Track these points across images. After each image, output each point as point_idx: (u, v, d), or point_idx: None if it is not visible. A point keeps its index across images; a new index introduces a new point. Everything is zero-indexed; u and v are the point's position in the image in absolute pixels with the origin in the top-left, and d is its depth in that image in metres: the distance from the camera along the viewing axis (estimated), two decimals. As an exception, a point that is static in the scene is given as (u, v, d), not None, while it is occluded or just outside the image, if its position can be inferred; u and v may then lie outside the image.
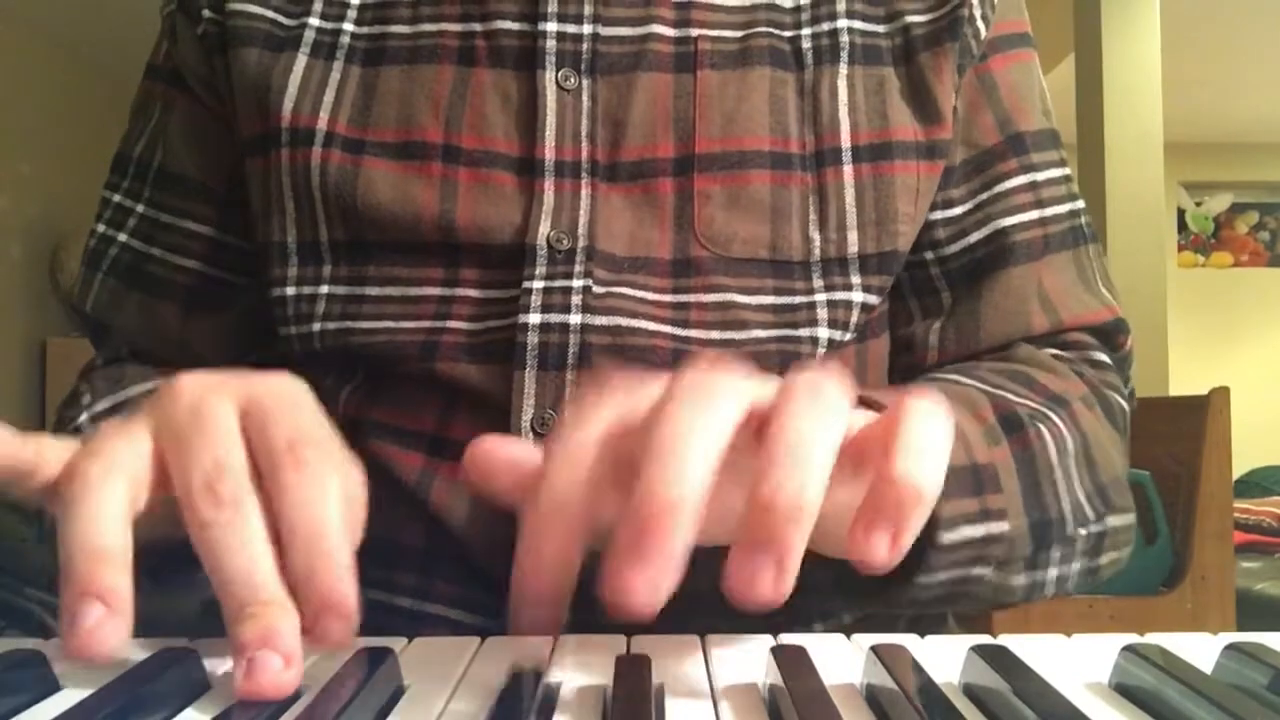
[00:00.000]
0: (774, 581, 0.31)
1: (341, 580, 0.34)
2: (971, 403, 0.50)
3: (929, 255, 0.62)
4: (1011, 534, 0.47)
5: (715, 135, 0.57)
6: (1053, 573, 0.52)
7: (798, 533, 0.31)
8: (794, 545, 0.31)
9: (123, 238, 0.64)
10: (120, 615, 0.32)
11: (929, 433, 0.34)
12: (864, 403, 0.45)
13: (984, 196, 0.62)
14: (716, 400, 0.33)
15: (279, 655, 0.33)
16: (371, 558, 0.56)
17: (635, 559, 0.31)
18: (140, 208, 0.64)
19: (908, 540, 0.33)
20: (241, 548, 0.34)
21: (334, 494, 0.35)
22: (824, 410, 0.33)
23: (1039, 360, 0.58)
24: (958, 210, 0.62)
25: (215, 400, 0.37)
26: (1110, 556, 0.56)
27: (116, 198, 0.65)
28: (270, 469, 0.35)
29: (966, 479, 0.45)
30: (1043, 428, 0.51)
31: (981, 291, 0.61)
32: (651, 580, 0.31)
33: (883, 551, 0.32)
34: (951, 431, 0.35)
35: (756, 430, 0.34)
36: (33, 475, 0.36)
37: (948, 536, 0.44)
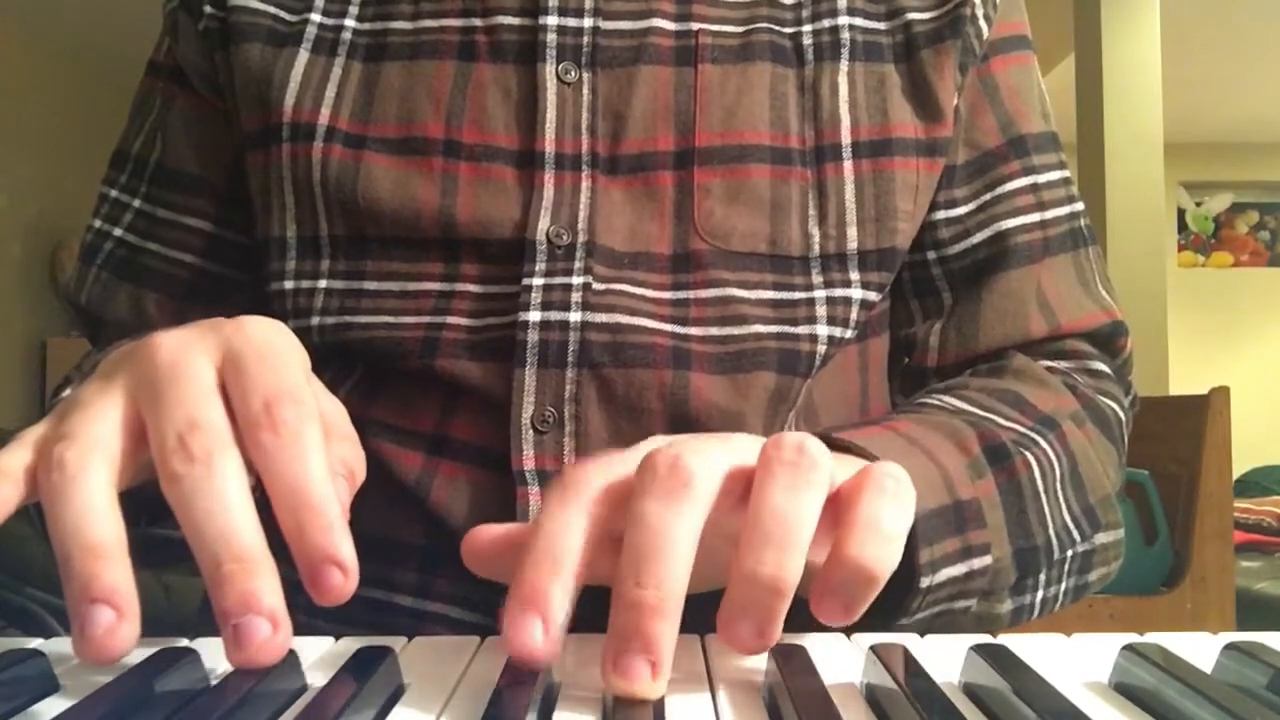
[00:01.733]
0: (758, 642, 0.33)
1: (332, 532, 0.34)
2: (957, 435, 0.50)
3: (931, 255, 0.62)
4: (996, 566, 0.48)
5: (715, 129, 0.57)
6: (1039, 595, 0.53)
7: (779, 602, 0.33)
8: (776, 613, 0.33)
9: (118, 232, 0.64)
10: (129, 616, 0.32)
11: (886, 510, 0.35)
12: (839, 445, 0.45)
13: (986, 198, 0.62)
14: (691, 490, 0.33)
15: (263, 618, 0.32)
16: (372, 556, 0.56)
17: (632, 656, 0.32)
18: (137, 203, 0.64)
19: (859, 609, 0.34)
20: (213, 502, 0.33)
21: (315, 449, 0.35)
22: (804, 484, 0.34)
23: (1031, 374, 0.58)
24: (960, 210, 0.62)
25: (192, 356, 0.36)
26: (1099, 572, 0.56)
27: (114, 193, 0.65)
28: (249, 432, 0.35)
29: (948, 518, 0.46)
30: (1029, 455, 0.51)
31: (982, 294, 0.62)
32: (650, 671, 0.32)
33: (839, 618, 0.34)
34: (911, 500, 0.36)
35: (741, 494, 0.35)
36: (25, 495, 0.35)
37: (927, 581, 0.45)
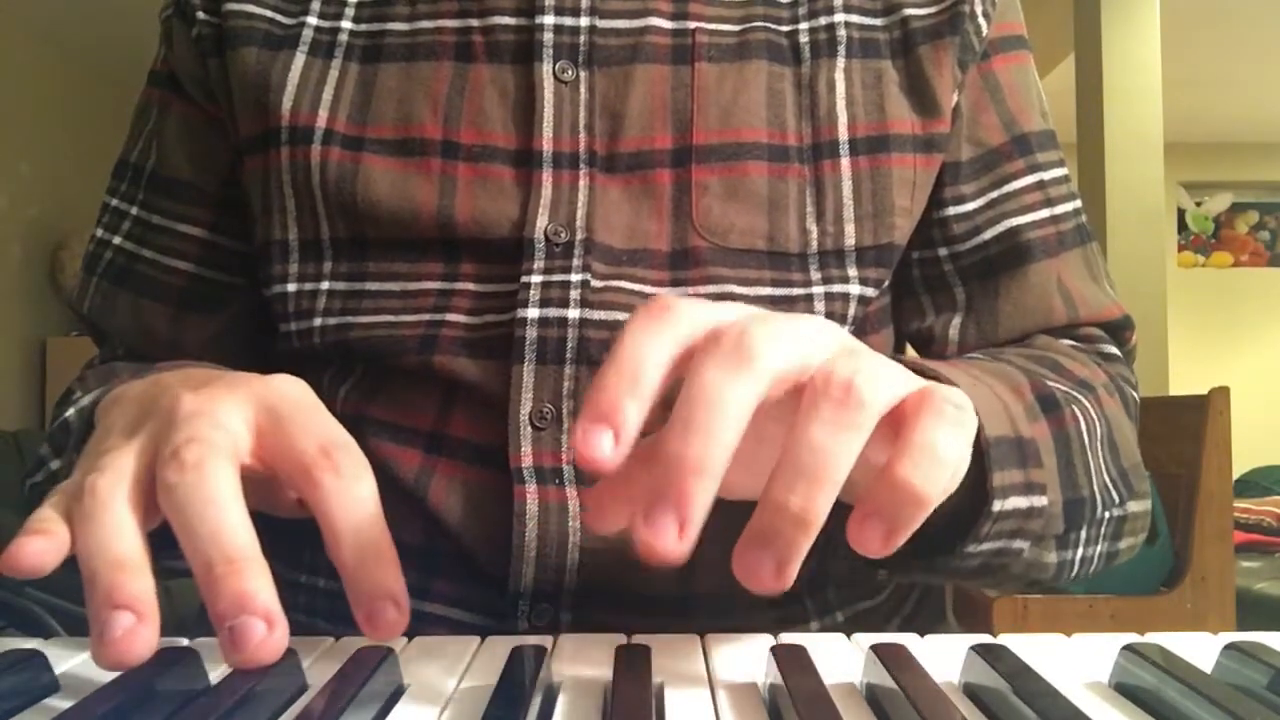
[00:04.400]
0: (775, 578, 0.32)
1: (391, 570, 0.36)
2: (1011, 380, 0.50)
3: (943, 251, 0.63)
4: (1050, 509, 0.47)
5: (712, 127, 0.57)
6: (1080, 553, 0.52)
7: (803, 537, 0.32)
8: (797, 548, 0.32)
9: (117, 240, 0.65)
10: (149, 622, 0.33)
11: (943, 434, 0.34)
12: (917, 370, 0.45)
13: (994, 195, 0.62)
14: (753, 367, 0.33)
15: (258, 618, 0.33)
16: None
17: (662, 511, 0.31)
18: (134, 210, 0.64)
19: (901, 537, 0.33)
20: (205, 506, 0.34)
21: (372, 492, 0.37)
22: (847, 423, 0.32)
23: (1060, 348, 0.59)
24: (970, 206, 0.62)
25: (221, 406, 0.37)
26: (1128, 542, 0.56)
27: (114, 202, 0.66)
28: (308, 472, 0.36)
29: (1013, 451, 0.45)
30: (1075, 409, 0.51)
31: (999, 289, 0.62)
32: (678, 529, 0.31)
33: (876, 545, 0.33)
34: (971, 428, 0.35)
35: (795, 389, 0.34)
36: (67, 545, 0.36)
37: (999, 505, 0.43)
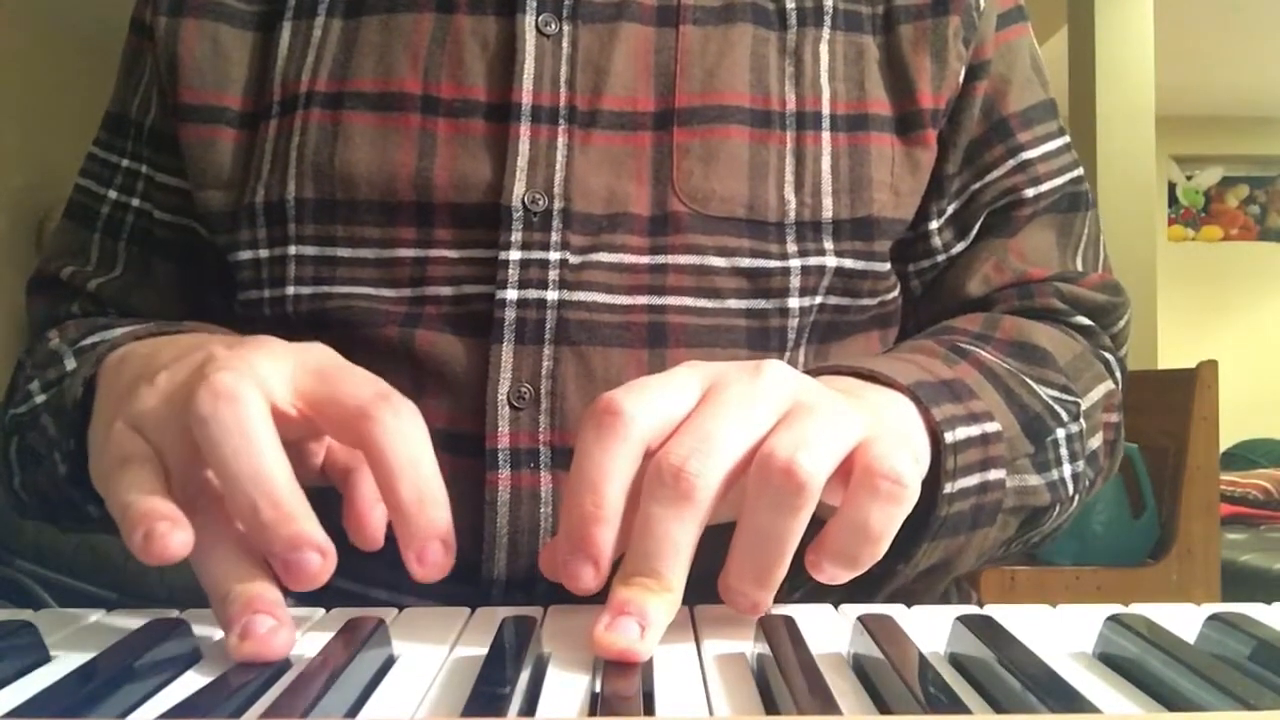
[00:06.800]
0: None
1: (444, 511, 0.37)
2: (919, 346, 0.54)
3: (941, 259, 0.62)
4: (1005, 432, 0.48)
5: (695, 90, 0.56)
6: (1066, 470, 0.54)
7: (762, 604, 0.38)
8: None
9: (113, 195, 0.63)
10: (288, 625, 0.35)
11: (874, 514, 0.37)
12: (861, 374, 0.46)
13: (975, 187, 0.62)
14: (694, 499, 0.35)
15: (314, 551, 0.35)
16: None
17: (625, 620, 0.35)
18: (132, 165, 0.63)
19: (850, 576, 0.38)
20: (241, 442, 0.36)
21: (426, 435, 0.38)
22: (788, 508, 0.36)
23: (995, 318, 0.60)
24: (951, 208, 0.62)
25: (262, 355, 0.39)
26: (1098, 439, 0.58)
27: (106, 155, 0.64)
28: (362, 412, 0.37)
29: (943, 390, 0.47)
30: (981, 351, 0.54)
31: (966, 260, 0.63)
32: (639, 631, 0.35)
33: (828, 580, 0.38)
34: (905, 498, 0.38)
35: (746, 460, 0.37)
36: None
37: (949, 436, 0.45)
